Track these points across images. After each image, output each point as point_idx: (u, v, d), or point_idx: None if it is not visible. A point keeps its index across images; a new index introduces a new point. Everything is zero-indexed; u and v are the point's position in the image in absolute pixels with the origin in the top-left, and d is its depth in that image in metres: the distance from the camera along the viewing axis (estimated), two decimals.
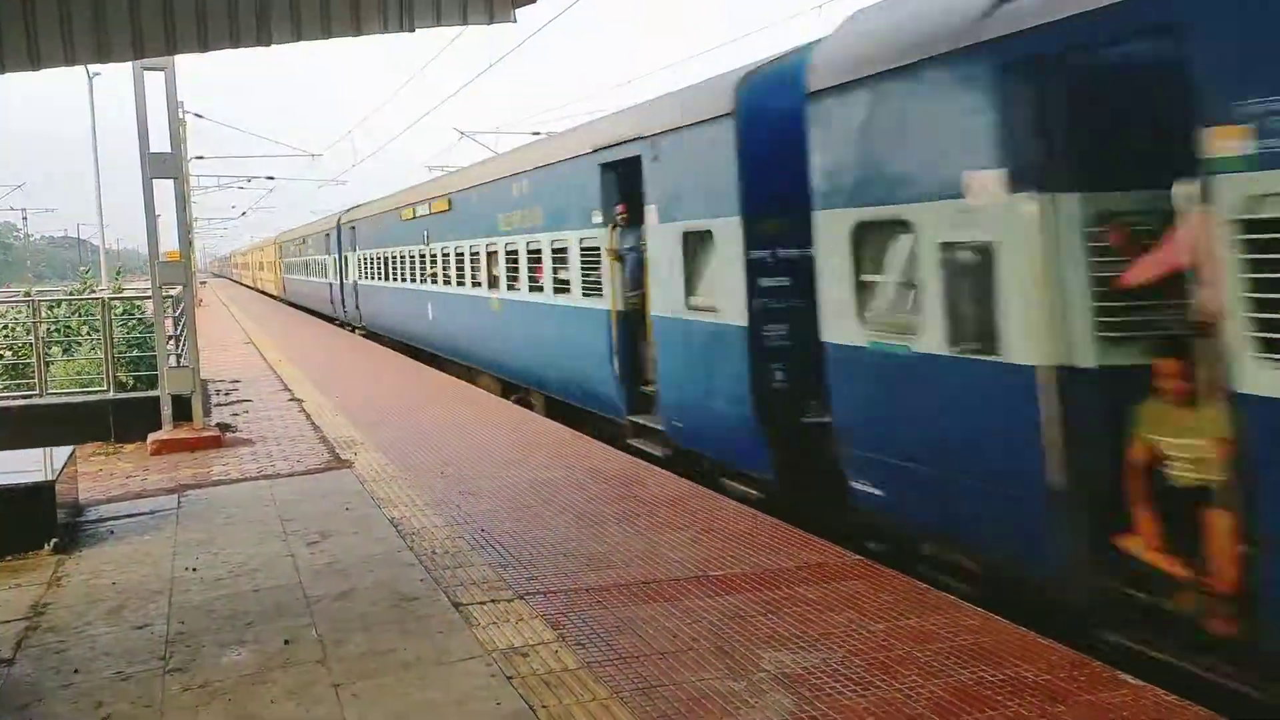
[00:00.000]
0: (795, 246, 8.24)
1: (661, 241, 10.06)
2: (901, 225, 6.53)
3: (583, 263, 12.09)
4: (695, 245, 9.47)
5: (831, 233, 7.26)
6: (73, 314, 17.77)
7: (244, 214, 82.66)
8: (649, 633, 5.56)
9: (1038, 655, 5.06)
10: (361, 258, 28.95)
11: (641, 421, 10.85)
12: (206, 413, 13.10)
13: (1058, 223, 5.40)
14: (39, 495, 7.82)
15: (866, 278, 7.00)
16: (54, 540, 7.75)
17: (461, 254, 18.04)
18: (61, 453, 8.88)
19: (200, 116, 37.79)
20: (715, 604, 5.97)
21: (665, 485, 8.95)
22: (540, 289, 13.81)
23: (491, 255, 16.15)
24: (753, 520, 7.73)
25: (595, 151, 11.59)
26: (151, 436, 11.98)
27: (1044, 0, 5.35)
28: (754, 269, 8.61)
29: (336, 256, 33.05)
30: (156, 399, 12.31)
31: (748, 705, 4.65)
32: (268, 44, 7.32)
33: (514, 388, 15.81)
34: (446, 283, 19.31)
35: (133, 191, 12.08)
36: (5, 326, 18.74)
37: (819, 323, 7.52)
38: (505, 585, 6.46)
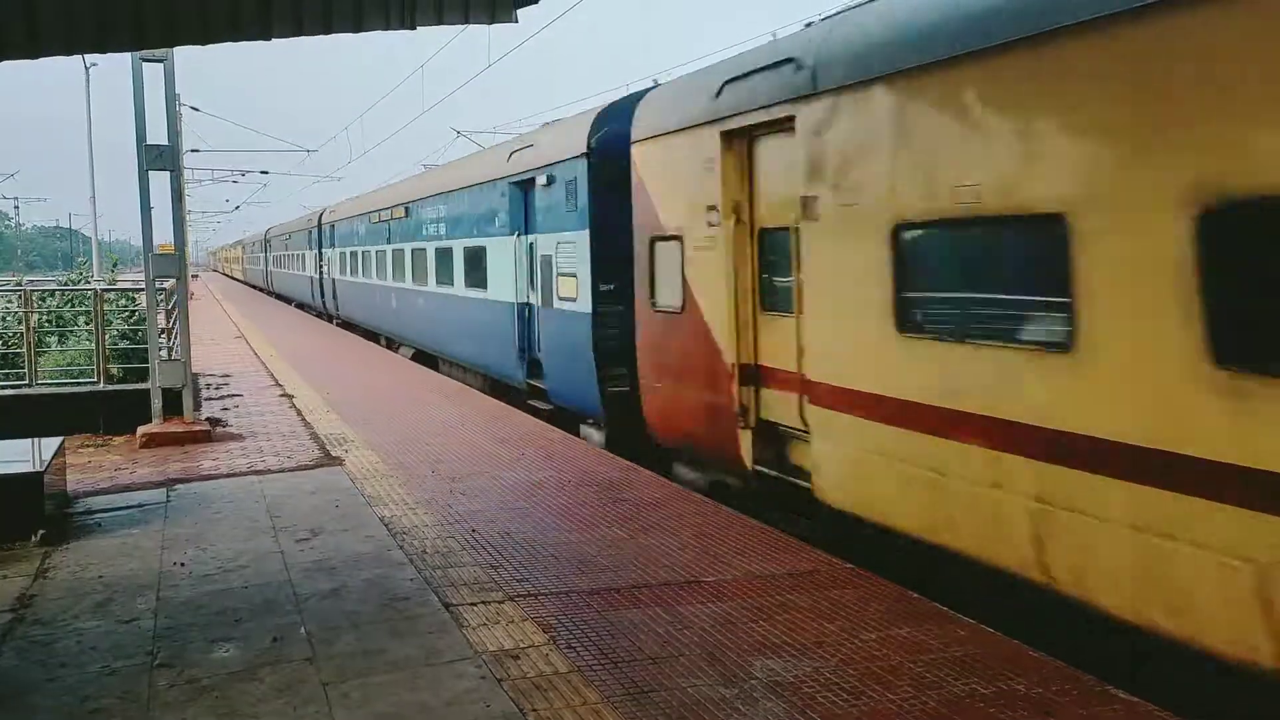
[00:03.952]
0: None
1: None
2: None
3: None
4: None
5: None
6: (65, 304, 17.68)
7: (236, 208, 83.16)
8: (640, 637, 5.55)
9: (1029, 668, 5.06)
10: None
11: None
12: (197, 406, 13.04)
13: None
14: (27, 486, 7.77)
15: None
16: (41, 532, 7.69)
17: None
18: (50, 443, 8.82)
19: (196, 110, 37.71)
20: (706, 610, 5.95)
21: (654, 489, 8.94)
22: None
23: None
24: (743, 526, 7.72)
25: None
26: (141, 429, 11.91)
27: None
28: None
29: None
30: (147, 392, 12.25)
31: (739, 713, 4.63)
32: (268, 38, 7.28)
33: None
34: None
35: (126, 183, 12.03)
36: None
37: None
38: (496, 586, 6.44)
